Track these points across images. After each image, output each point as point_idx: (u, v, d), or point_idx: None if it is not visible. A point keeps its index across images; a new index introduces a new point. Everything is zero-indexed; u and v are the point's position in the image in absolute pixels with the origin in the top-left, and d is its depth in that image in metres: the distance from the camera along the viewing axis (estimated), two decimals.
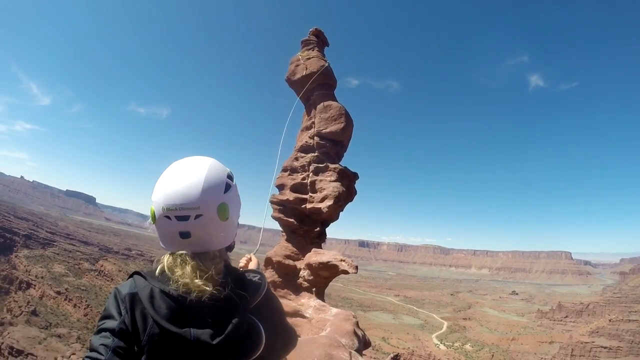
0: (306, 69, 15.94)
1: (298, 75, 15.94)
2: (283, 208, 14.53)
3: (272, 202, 14.86)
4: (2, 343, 51.05)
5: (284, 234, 14.88)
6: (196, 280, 1.59)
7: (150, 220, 1.75)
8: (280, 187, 15.02)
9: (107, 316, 1.63)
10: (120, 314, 1.61)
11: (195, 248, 1.68)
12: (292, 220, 14.14)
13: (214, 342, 1.54)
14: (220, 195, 1.70)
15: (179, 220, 1.64)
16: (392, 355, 79.07)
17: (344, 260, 12.83)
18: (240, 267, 2.38)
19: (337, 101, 15.62)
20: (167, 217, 1.65)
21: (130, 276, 1.74)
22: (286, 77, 16.70)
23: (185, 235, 1.65)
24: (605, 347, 78.10)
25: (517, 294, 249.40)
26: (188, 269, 1.62)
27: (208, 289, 1.59)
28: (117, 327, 1.57)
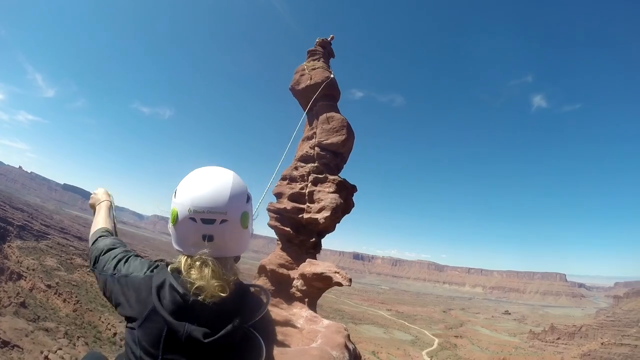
0: (311, 79, 16.06)
1: (302, 85, 16.07)
2: (280, 216, 14.55)
3: (268, 210, 14.88)
4: None
5: (279, 242, 14.88)
6: (213, 281, 1.66)
7: (170, 222, 1.83)
8: (278, 195, 15.05)
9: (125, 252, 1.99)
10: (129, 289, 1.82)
11: (215, 252, 1.75)
12: (288, 229, 14.16)
13: (205, 340, 1.59)
14: (244, 204, 1.82)
15: (204, 223, 1.72)
16: None
17: (338, 272, 12.85)
18: None
19: (339, 113, 15.73)
20: (193, 219, 1.73)
21: (153, 263, 1.92)
22: (290, 86, 16.84)
23: (209, 238, 1.73)
24: None
25: (509, 313, 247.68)
26: (207, 271, 1.68)
27: (222, 294, 1.66)
28: (133, 252, 1.89)
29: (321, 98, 15.95)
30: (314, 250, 14.48)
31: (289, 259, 14.17)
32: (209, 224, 1.73)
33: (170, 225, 1.84)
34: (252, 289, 1.94)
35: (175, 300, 1.65)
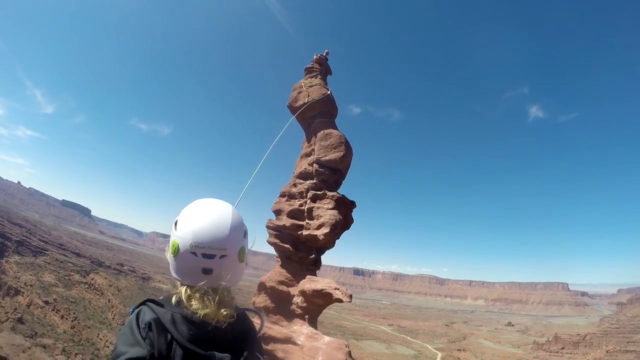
0: (308, 96, 16.31)
1: (300, 102, 16.29)
2: (279, 233, 14.63)
3: (268, 227, 14.97)
4: None
5: (278, 259, 14.92)
6: (221, 310, 1.81)
7: (170, 253, 1.93)
8: (277, 212, 15.15)
9: (130, 344, 1.71)
10: (145, 341, 1.72)
11: (212, 284, 1.87)
12: (287, 246, 14.23)
13: None
14: (241, 239, 1.96)
15: (204, 257, 1.85)
16: None
17: (338, 289, 12.88)
18: None
19: (337, 129, 15.94)
20: (194, 253, 1.85)
21: (142, 303, 1.88)
22: (288, 104, 17.07)
23: (207, 272, 1.86)
24: None
25: (513, 325, 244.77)
26: (209, 301, 1.81)
27: (231, 320, 1.81)
28: (147, 354, 1.68)
29: (319, 115, 16.19)
30: (314, 266, 14.53)
31: (289, 275, 14.21)
32: (209, 259, 1.85)
33: (170, 255, 1.95)
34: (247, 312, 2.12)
35: (193, 331, 1.74)
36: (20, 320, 68.30)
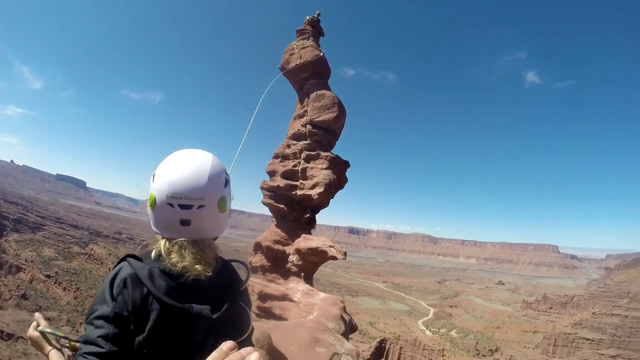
0: (300, 57, 15.97)
1: (292, 64, 15.96)
2: (273, 194, 14.73)
3: (262, 188, 15.04)
4: None
5: (274, 219, 15.11)
6: (197, 266, 1.71)
7: (148, 205, 1.82)
8: (271, 173, 15.18)
9: (100, 302, 1.66)
10: (113, 298, 1.65)
11: (192, 235, 1.77)
12: (282, 206, 14.37)
13: (214, 316, 1.69)
14: (222, 189, 1.82)
15: (181, 208, 1.73)
16: (378, 339, 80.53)
17: (332, 247, 13.15)
18: None
19: (330, 90, 15.70)
20: (170, 204, 1.73)
21: (122, 259, 1.80)
22: (280, 66, 16.69)
23: (185, 223, 1.75)
24: (587, 339, 79.87)
25: (503, 284, 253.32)
26: (187, 254, 1.73)
27: (208, 273, 1.72)
28: (111, 313, 1.61)
29: (311, 76, 15.89)
30: (309, 225, 14.75)
31: (284, 235, 14.44)
32: (186, 210, 1.73)
33: (148, 208, 1.85)
34: (232, 264, 2.04)
35: (171, 284, 1.67)
36: (24, 297, 69.61)
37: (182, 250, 1.74)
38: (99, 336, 1.57)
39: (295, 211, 14.36)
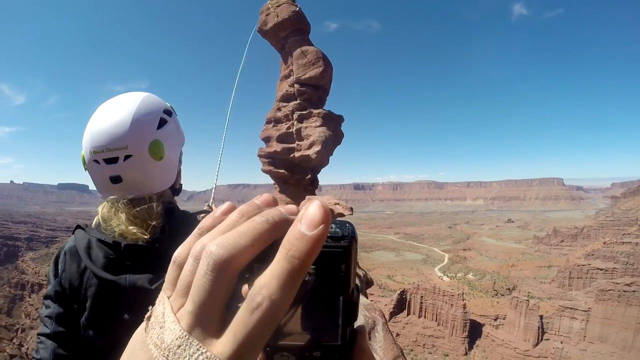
0: (277, 16, 15.33)
1: (270, 25, 15.32)
2: (272, 160, 14.60)
3: (259, 156, 14.89)
4: (28, 349, 52.13)
5: (276, 186, 15.07)
6: (130, 227, 1.42)
7: (83, 167, 1.55)
8: (266, 139, 14.96)
9: (49, 280, 1.53)
10: (55, 275, 1.50)
11: (132, 193, 1.47)
12: (282, 171, 14.27)
13: (153, 287, 1.41)
14: (153, 132, 1.46)
15: (107, 163, 1.43)
16: (398, 291, 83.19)
17: (338, 203, 13.13)
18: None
19: (313, 45, 15.16)
20: (96, 161, 1.44)
21: (73, 231, 1.59)
22: (258, 28, 16.04)
23: (116, 180, 1.45)
24: (601, 269, 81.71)
25: (512, 221, 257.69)
26: (122, 215, 1.44)
27: (144, 236, 1.43)
28: (52, 291, 1.47)
29: (291, 34, 15.29)
30: (312, 186, 14.70)
31: (289, 199, 14.39)
32: (112, 164, 1.42)
33: (86, 170, 1.55)
34: (198, 216, 1.71)
35: (107, 254, 1.45)
36: None
37: (118, 213, 1.44)
38: (45, 316, 1.45)
39: (296, 174, 14.27)
